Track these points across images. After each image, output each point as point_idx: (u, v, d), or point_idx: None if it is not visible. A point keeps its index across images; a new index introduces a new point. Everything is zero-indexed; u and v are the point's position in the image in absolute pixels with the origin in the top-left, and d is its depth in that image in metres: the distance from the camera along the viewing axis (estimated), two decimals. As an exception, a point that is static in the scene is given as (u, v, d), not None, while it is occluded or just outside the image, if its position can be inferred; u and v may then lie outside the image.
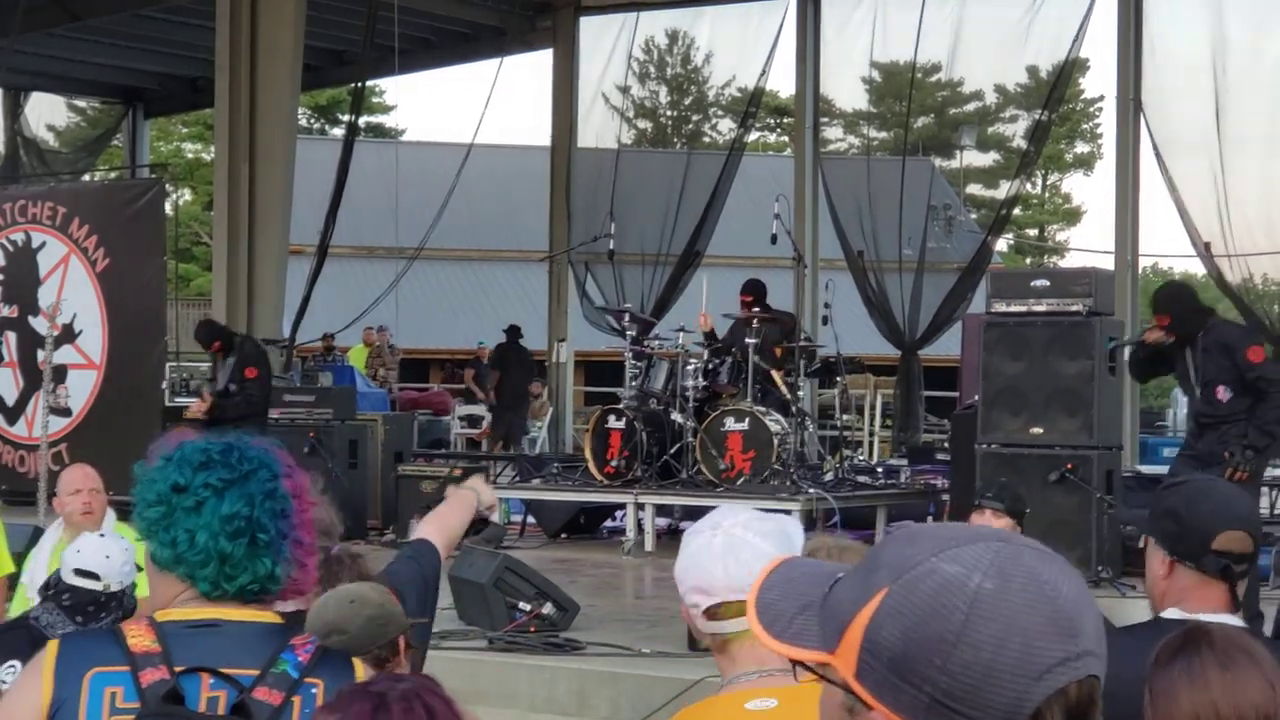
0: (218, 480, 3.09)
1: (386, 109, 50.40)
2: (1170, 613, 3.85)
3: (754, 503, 12.28)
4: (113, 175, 29.70)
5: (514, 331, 26.29)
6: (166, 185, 22.58)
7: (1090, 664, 1.62)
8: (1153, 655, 3.14)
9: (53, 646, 3.09)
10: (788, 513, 9.69)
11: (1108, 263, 19.30)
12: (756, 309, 16.49)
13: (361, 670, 3.14)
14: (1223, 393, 11.52)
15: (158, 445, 3.22)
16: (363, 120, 32.28)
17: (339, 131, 46.55)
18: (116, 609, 5.73)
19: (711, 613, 3.10)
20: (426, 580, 4.29)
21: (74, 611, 5.71)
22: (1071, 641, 1.60)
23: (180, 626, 3.06)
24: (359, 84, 24.25)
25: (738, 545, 3.11)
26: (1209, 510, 3.87)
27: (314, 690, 3.03)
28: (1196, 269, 23.57)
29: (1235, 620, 3.80)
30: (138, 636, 3.03)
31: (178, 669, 2.98)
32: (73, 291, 18.86)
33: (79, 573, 5.83)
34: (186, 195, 51.80)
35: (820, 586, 1.73)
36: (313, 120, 54.29)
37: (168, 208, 23.04)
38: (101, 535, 6.31)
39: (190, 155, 53.45)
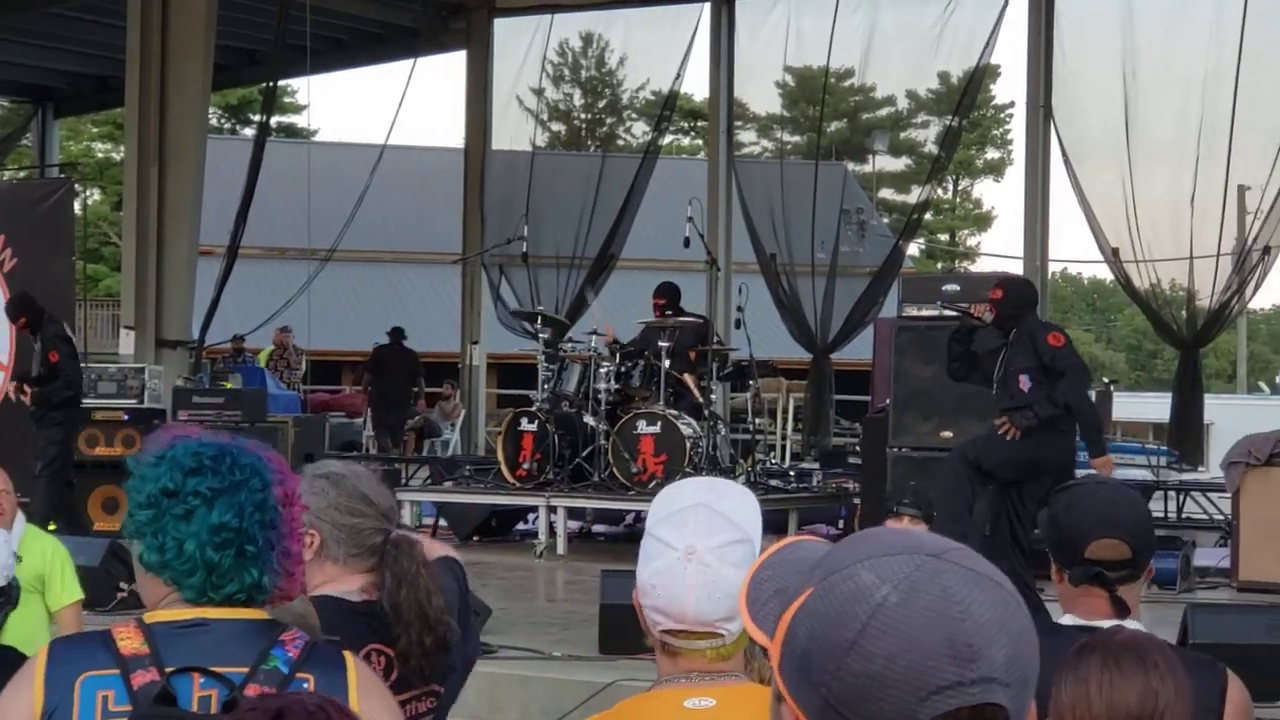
0: (208, 489, 3.07)
1: (298, 109, 50.08)
2: (1066, 619, 3.86)
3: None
4: (21, 175, 29.36)
5: (396, 333, 26.31)
6: (76, 185, 22.36)
7: (992, 692, 1.59)
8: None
9: (42, 653, 3.08)
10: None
11: (1017, 268, 19.43)
12: (669, 312, 16.52)
13: (352, 665, 3.13)
14: (1024, 381, 11.57)
15: (152, 440, 3.20)
16: (274, 120, 32.03)
17: (250, 131, 46.28)
18: (6, 603, 5.71)
19: (673, 633, 3.07)
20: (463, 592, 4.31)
21: None
22: (967, 667, 1.57)
23: (169, 627, 3.05)
24: (270, 84, 24.12)
25: (712, 581, 2.99)
26: (1081, 517, 3.85)
27: (305, 685, 3.01)
28: (1105, 274, 23.75)
29: (1130, 624, 3.80)
30: (126, 639, 3.02)
31: (168, 670, 2.97)
32: (-21, 291, 18.65)
33: None
34: (96, 195, 51.33)
35: (800, 575, 1.72)
36: (224, 120, 53.96)
37: (77, 207, 22.79)
38: None
39: (100, 155, 53.00)
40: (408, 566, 3.89)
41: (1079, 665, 3.03)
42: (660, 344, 15.67)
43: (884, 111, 35.13)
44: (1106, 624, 3.75)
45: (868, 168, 41.21)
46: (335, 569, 3.93)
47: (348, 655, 3.16)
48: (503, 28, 23.73)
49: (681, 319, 16.48)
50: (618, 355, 16.11)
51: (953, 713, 1.58)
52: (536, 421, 15.86)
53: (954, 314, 12.67)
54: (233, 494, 3.08)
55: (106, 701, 2.97)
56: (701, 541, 3.02)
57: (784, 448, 22.09)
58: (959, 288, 13.80)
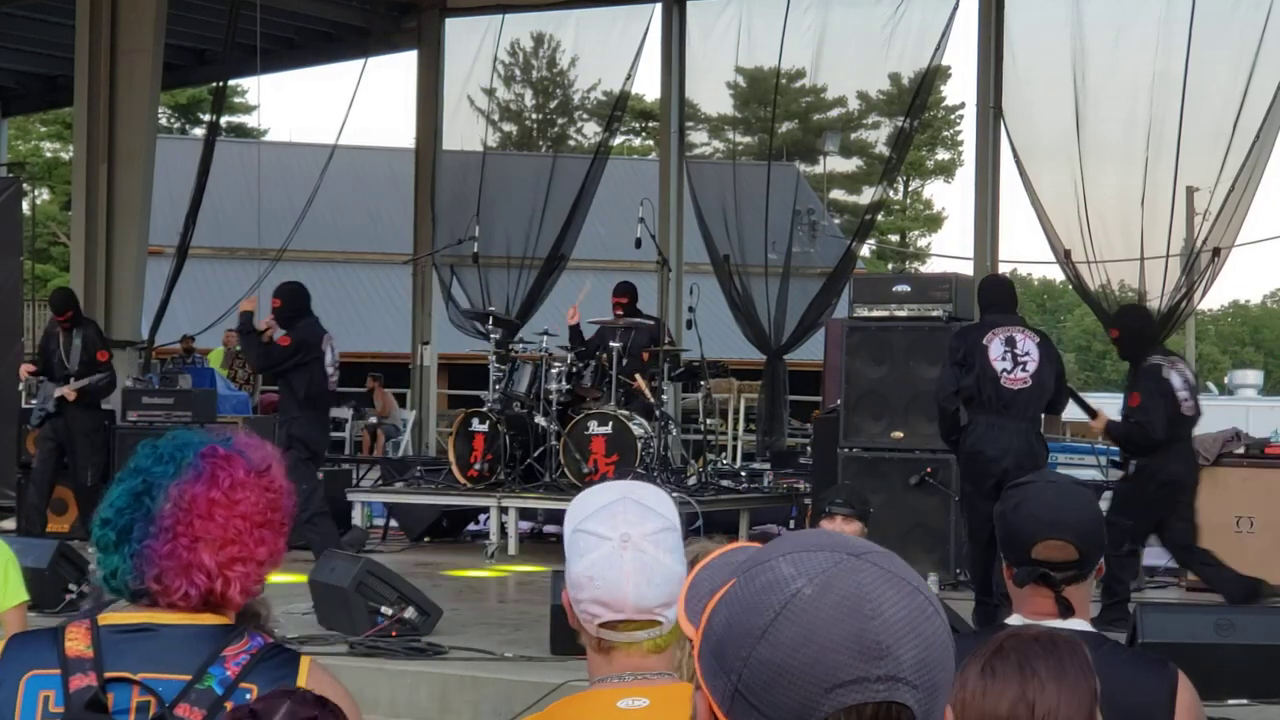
0: (128, 469, 3.08)
1: (249, 109, 49.93)
2: (1013, 619, 3.86)
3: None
4: (-32, 174, 29.20)
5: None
6: (24, 184, 22.21)
7: (898, 691, 1.60)
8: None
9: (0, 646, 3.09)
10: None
11: (968, 268, 19.48)
12: (621, 312, 16.54)
13: (305, 671, 3.08)
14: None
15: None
16: (224, 120, 31.92)
17: (200, 131, 46.03)
18: None
19: (610, 625, 3.06)
20: None
21: None
22: (873, 664, 1.59)
23: (116, 630, 3.03)
24: (220, 83, 24.01)
25: (649, 566, 3.02)
26: (1028, 517, 3.84)
27: (247, 695, 2.98)
28: (1055, 275, 23.81)
29: (1078, 625, 3.80)
30: (75, 640, 3.00)
31: (107, 676, 2.95)
32: (-74, 292, 18.50)
33: None
34: (44, 195, 51.07)
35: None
36: (173, 119, 53.72)
37: (25, 207, 22.67)
38: None
39: (49, 154, 52.72)
40: None
41: (964, 670, 3.02)
42: (612, 344, 15.67)
43: (835, 112, 35.26)
44: (1052, 623, 3.75)
45: (818, 169, 41.26)
46: None
47: (304, 662, 3.11)
48: (454, 27, 23.69)
49: (634, 320, 16.49)
50: (570, 355, 16.11)
51: (857, 708, 1.59)
52: (488, 422, 15.84)
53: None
54: (132, 477, 3.07)
55: (48, 702, 2.96)
56: (635, 529, 3.04)
57: (735, 448, 22.11)
58: (909, 288, 13.84)
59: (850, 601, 1.61)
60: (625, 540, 3.03)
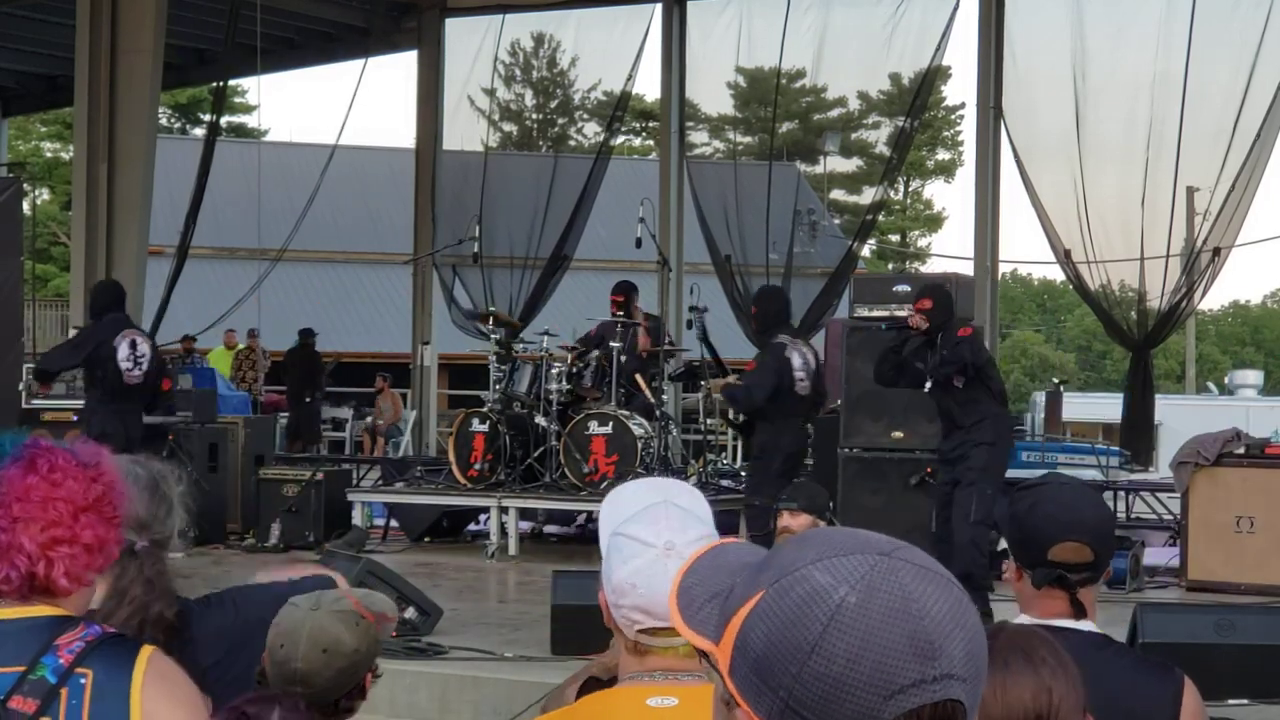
0: None
1: (249, 109, 49.90)
2: (1023, 619, 3.84)
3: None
4: (-32, 174, 29.20)
5: (304, 334, 26.35)
6: (24, 184, 22.20)
7: (951, 688, 1.59)
8: None
9: None
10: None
11: (968, 269, 19.48)
12: (621, 312, 16.52)
13: (144, 660, 3.05)
14: (957, 378, 11.76)
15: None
16: (224, 120, 31.93)
17: (200, 131, 46.03)
18: None
19: (651, 631, 3.06)
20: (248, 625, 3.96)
21: None
22: (930, 664, 1.58)
23: None
24: (220, 83, 24.01)
25: None
26: (1046, 518, 3.82)
27: (82, 681, 2.98)
28: (1055, 275, 23.82)
29: (1088, 627, 3.81)
30: None
31: None
32: (-74, 292, 18.49)
33: None
34: (45, 195, 51.07)
35: (734, 577, 1.72)
36: (174, 119, 53.72)
37: (25, 207, 22.66)
38: None
39: (49, 154, 52.72)
40: (130, 580, 3.76)
41: None
42: (612, 344, 15.67)
43: (835, 113, 35.29)
44: (1062, 623, 3.74)
45: (819, 169, 41.26)
46: None
47: (144, 650, 3.09)
48: (454, 27, 23.69)
49: (630, 320, 16.48)
50: (570, 355, 16.10)
51: (916, 712, 1.58)
52: (488, 422, 15.84)
53: (894, 327, 12.78)
54: None
55: None
56: (678, 537, 3.02)
57: (735, 448, 22.10)
58: (910, 288, 13.83)
59: (897, 604, 1.59)
60: (669, 548, 3.01)
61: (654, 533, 3.04)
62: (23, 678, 2.97)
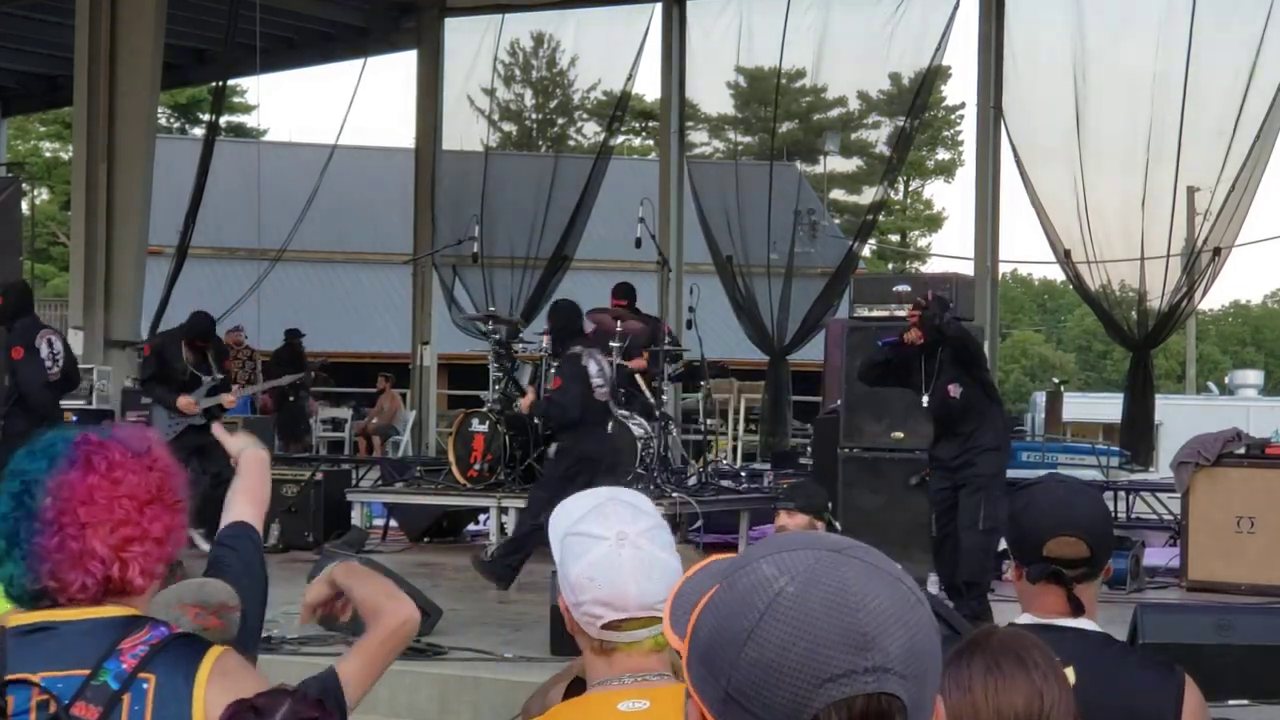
0: (5, 474, 3.05)
1: (248, 108, 49.92)
2: (1024, 618, 3.85)
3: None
4: (-32, 174, 29.18)
5: (290, 334, 26.36)
6: (23, 184, 22.21)
7: (887, 682, 1.60)
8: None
9: None
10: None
11: (968, 269, 19.48)
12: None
13: (209, 661, 3.04)
14: (954, 390, 11.72)
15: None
16: (224, 120, 31.91)
17: (199, 131, 46.03)
18: None
19: (614, 625, 3.05)
20: (249, 567, 3.90)
21: None
22: (862, 655, 1.59)
23: (17, 632, 3.00)
24: (220, 83, 24.01)
25: (648, 562, 3.03)
26: (1040, 514, 3.84)
27: (145, 686, 2.96)
28: (1055, 275, 23.83)
29: (1087, 625, 3.81)
30: None
31: (8, 678, 2.94)
32: (-75, 292, 18.46)
33: None
34: (44, 194, 51.06)
35: (715, 580, 1.74)
36: (173, 119, 53.71)
37: (24, 207, 22.68)
38: None
39: (48, 154, 52.72)
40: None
41: (960, 671, 3.01)
42: (612, 345, 15.65)
43: (835, 112, 35.23)
44: (1063, 622, 3.75)
45: (819, 169, 41.25)
46: None
47: (211, 651, 3.07)
48: (453, 27, 23.69)
49: (634, 321, 16.45)
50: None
51: (848, 701, 1.59)
52: (488, 422, 15.81)
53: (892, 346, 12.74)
54: (6, 485, 3.04)
55: None
56: (630, 527, 3.06)
57: (735, 448, 22.10)
58: (910, 288, 13.81)
59: (835, 596, 1.61)
60: (622, 538, 3.04)
61: (605, 526, 3.07)
62: (86, 683, 2.95)
